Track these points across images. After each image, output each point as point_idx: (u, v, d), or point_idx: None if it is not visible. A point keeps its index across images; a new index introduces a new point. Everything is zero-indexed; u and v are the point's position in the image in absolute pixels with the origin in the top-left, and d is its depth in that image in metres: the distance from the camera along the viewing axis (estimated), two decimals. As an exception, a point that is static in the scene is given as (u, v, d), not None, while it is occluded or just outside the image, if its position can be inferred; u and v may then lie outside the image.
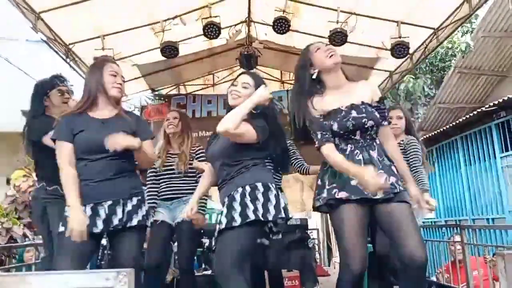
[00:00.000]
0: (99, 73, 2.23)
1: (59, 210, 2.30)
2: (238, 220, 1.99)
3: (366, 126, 2.02)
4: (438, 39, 4.60)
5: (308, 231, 6.46)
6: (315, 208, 2.11)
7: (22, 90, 2.70)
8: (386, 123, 2.15)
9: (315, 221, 12.70)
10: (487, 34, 7.19)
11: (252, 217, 1.99)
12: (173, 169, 3.10)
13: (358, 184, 1.92)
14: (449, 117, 8.65)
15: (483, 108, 6.18)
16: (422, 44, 4.81)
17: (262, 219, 2.02)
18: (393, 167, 2.05)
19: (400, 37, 4.46)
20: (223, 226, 2.02)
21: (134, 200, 2.17)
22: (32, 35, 4.20)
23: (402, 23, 4.48)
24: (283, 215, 2.11)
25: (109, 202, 2.09)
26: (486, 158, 6.49)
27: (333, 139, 2.06)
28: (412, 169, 2.96)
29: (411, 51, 4.68)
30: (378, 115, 2.07)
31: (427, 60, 8.29)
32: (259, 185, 2.10)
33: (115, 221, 2.08)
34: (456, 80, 8.00)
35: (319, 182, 2.12)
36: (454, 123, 7.07)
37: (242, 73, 2.37)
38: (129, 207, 2.14)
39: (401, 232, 1.89)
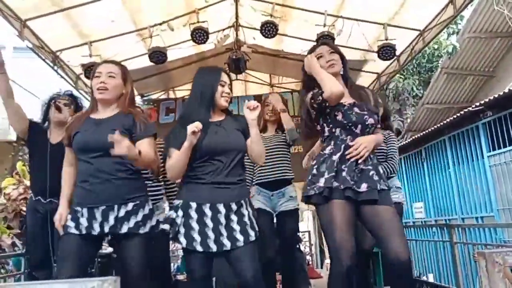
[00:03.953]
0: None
1: None
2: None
3: (366, 123, 2.13)
4: (424, 40, 4.65)
5: (300, 234, 6.50)
6: (306, 198, 2.10)
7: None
8: (379, 126, 2.27)
9: (307, 223, 12.74)
10: (473, 35, 7.28)
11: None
12: None
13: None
14: (437, 117, 8.74)
15: (470, 108, 6.25)
16: (409, 46, 4.85)
17: None
18: (379, 167, 2.16)
19: (386, 39, 4.50)
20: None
21: (130, 206, 2.01)
22: (20, 42, 4.15)
23: (388, 25, 4.52)
24: None
25: (103, 207, 1.99)
26: (474, 157, 6.56)
27: (334, 130, 2.13)
28: (389, 158, 3.25)
29: (397, 53, 4.72)
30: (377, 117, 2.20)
31: (414, 61, 8.38)
32: None
33: (106, 229, 1.98)
34: (443, 81, 8.08)
35: (314, 171, 2.10)
36: (442, 123, 7.13)
37: (222, 70, 2.22)
38: (121, 213, 2.00)
39: (385, 232, 1.98)
